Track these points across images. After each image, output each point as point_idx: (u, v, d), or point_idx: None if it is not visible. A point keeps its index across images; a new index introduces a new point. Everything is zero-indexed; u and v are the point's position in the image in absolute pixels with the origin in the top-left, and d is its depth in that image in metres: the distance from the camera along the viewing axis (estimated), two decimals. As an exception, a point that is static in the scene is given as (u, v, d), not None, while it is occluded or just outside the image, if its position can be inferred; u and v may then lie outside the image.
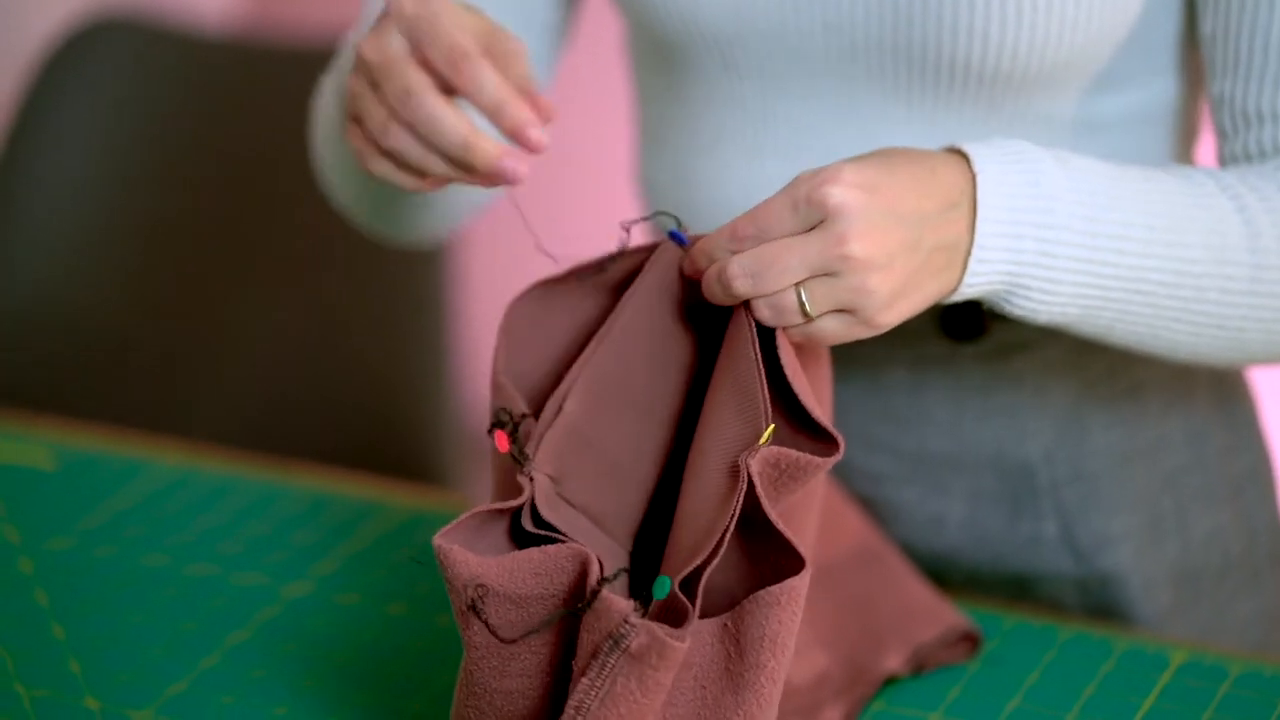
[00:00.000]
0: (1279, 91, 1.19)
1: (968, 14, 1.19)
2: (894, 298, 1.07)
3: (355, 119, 1.13)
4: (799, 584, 1.02)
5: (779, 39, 1.24)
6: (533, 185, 1.16)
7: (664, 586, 1.02)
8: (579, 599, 1.03)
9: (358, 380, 2.29)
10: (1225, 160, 1.23)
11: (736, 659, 1.03)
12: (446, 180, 1.13)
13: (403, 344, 2.31)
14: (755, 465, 1.03)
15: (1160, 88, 1.27)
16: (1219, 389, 1.37)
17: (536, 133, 1.10)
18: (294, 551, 1.36)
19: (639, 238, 1.16)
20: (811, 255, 1.06)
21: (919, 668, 1.22)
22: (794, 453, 1.05)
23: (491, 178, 1.10)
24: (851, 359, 1.31)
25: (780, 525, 1.03)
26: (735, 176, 1.29)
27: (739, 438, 1.06)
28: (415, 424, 2.27)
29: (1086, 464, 1.33)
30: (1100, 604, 1.34)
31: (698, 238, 1.11)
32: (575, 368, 1.11)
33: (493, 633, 1.03)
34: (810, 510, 1.13)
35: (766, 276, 1.06)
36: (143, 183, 2.32)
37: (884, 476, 1.35)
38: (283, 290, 2.31)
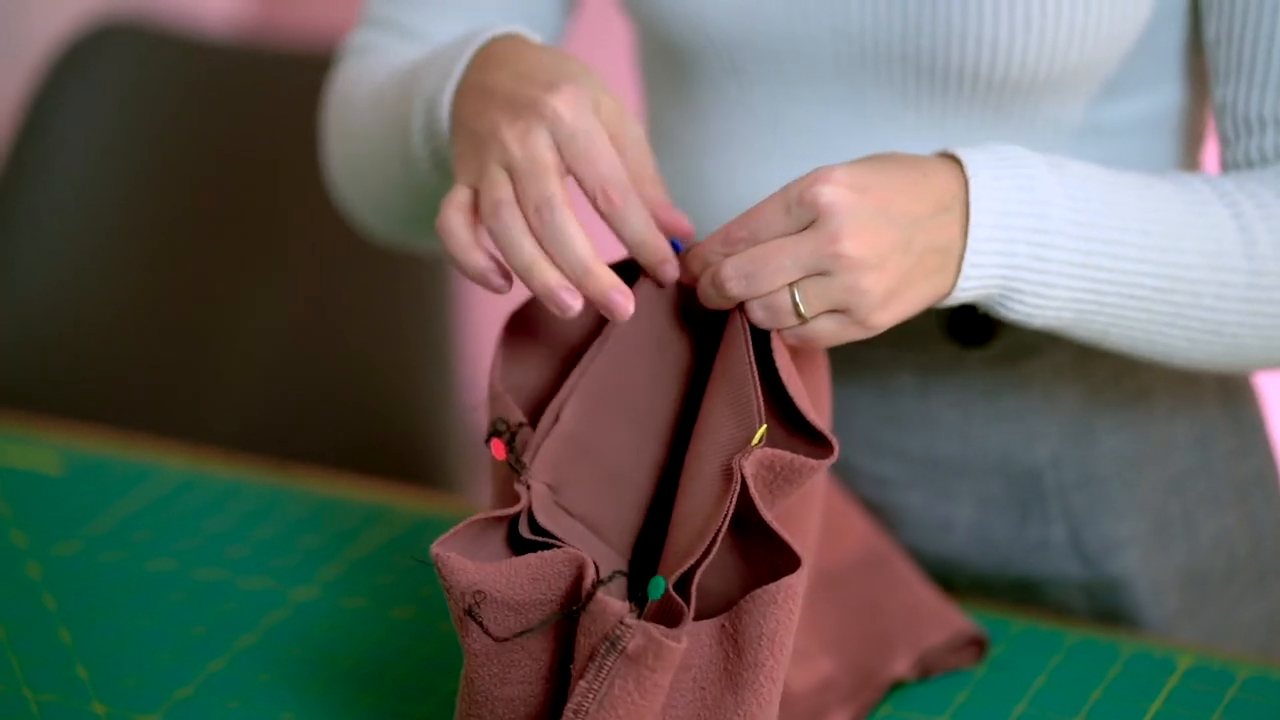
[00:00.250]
0: (1281, 97, 1.20)
1: (976, 21, 1.19)
2: (888, 298, 1.08)
3: (472, 192, 1.11)
4: (795, 582, 1.02)
5: (787, 45, 1.24)
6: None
7: (659, 587, 1.02)
8: (575, 602, 1.03)
9: (363, 384, 2.29)
10: (1227, 166, 1.23)
11: (735, 659, 1.03)
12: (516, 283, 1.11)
13: (408, 348, 2.31)
14: (749, 467, 1.03)
15: (1167, 94, 1.27)
16: (1226, 393, 1.37)
17: (672, 269, 1.10)
18: (300, 555, 1.36)
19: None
20: (804, 254, 1.06)
21: (925, 672, 1.22)
22: (788, 454, 1.04)
23: (596, 302, 1.08)
24: (858, 363, 1.31)
25: (774, 524, 1.02)
26: (743, 181, 1.29)
27: (733, 440, 1.06)
28: (421, 428, 2.27)
29: (1094, 468, 1.33)
30: (1107, 608, 1.34)
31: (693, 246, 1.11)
32: (573, 376, 1.11)
33: (488, 633, 1.03)
34: (809, 512, 1.13)
35: (760, 277, 1.06)
36: (147, 186, 2.32)
37: (891, 481, 1.35)
38: (288, 294, 2.31)
